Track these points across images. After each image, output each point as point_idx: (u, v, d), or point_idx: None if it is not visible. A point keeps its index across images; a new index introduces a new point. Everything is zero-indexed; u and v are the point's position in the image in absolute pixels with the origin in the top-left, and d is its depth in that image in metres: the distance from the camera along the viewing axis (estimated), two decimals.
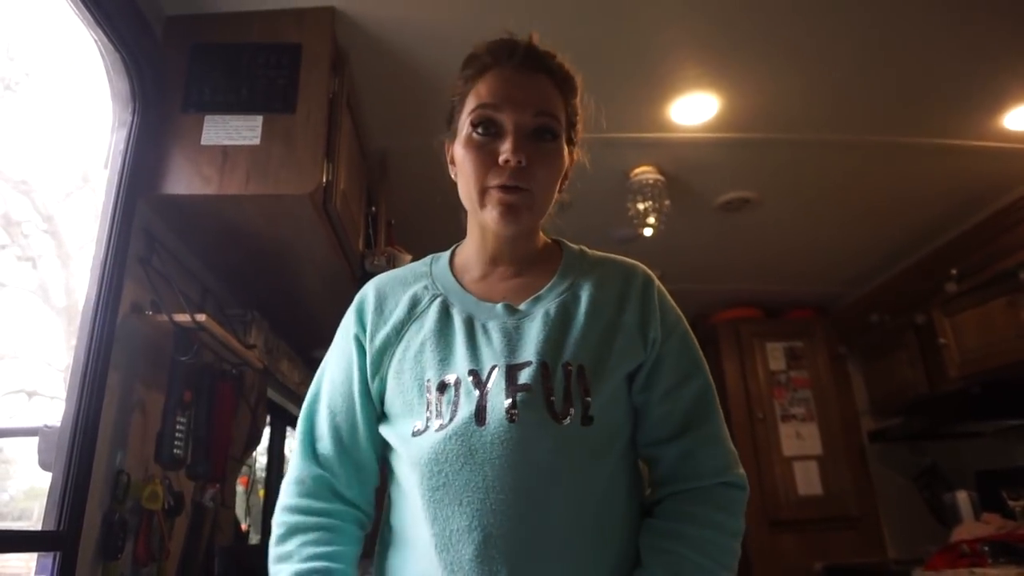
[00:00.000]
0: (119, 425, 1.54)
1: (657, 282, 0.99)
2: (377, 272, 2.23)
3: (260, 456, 2.83)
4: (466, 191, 0.93)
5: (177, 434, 1.58)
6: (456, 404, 0.85)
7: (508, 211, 0.89)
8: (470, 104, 0.94)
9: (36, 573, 1.31)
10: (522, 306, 0.93)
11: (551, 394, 0.83)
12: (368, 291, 1.00)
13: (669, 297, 0.99)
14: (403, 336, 0.93)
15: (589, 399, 0.84)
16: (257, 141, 1.67)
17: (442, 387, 0.87)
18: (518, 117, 0.90)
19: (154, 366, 1.69)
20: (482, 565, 0.79)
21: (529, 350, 0.87)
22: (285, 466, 3.10)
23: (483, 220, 0.93)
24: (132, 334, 1.59)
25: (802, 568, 3.49)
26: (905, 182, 2.78)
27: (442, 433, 0.83)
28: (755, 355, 3.87)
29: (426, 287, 0.98)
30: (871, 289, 3.68)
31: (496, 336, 0.89)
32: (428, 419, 0.86)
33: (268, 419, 2.66)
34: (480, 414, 0.83)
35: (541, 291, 0.94)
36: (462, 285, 0.97)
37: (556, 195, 0.98)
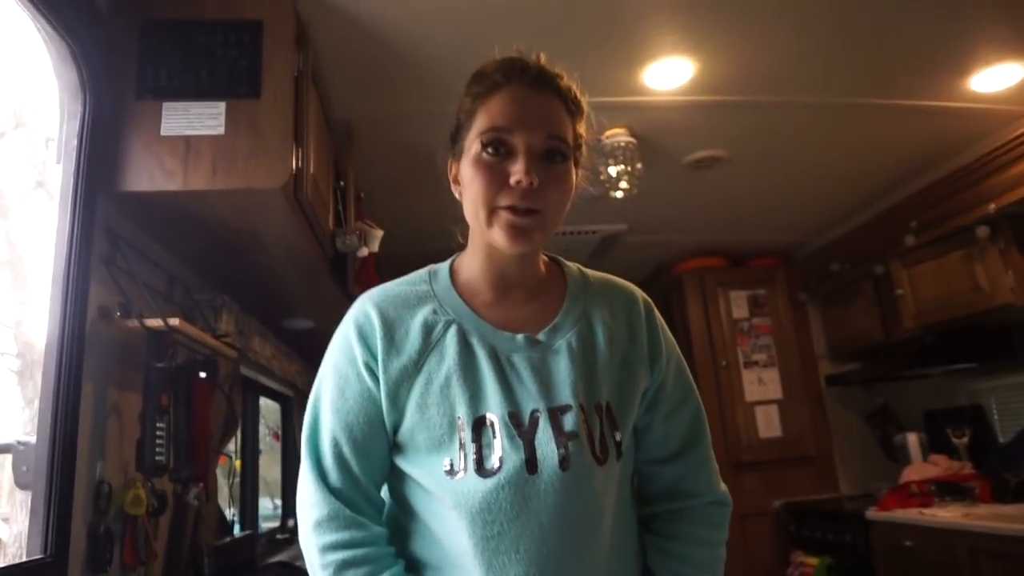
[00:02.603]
0: (96, 434, 1.50)
1: (654, 307, 1.04)
2: (348, 251, 2.19)
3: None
4: (473, 210, 0.91)
5: (158, 440, 1.54)
6: (500, 449, 0.85)
7: (518, 233, 0.88)
8: (480, 124, 0.91)
9: None
10: (541, 336, 0.94)
11: (592, 439, 0.88)
12: (369, 314, 0.94)
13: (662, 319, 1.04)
14: (422, 367, 0.91)
15: (619, 437, 0.91)
16: (222, 131, 1.58)
17: (477, 426, 0.87)
18: (530, 139, 0.88)
19: (126, 367, 1.64)
20: None
21: (564, 392, 0.89)
22: (259, 437, 3.08)
23: (490, 239, 0.91)
24: (101, 339, 1.53)
25: (763, 505, 3.69)
26: (872, 140, 2.80)
27: (493, 481, 0.84)
28: (719, 303, 3.95)
29: (435, 311, 0.95)
30: (833, 239, 3.75)
31: (526, 374, 0.90)
32: (464, 458, 0.86)
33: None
34: (531, 463, 0.85)
35: (556, 319, 0.96)
36: (473, 310, 0.95)
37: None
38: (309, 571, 0.90)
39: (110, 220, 1.59)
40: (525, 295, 0.98)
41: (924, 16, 2.06)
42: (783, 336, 3.91)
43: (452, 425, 0.87)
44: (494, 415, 0.87)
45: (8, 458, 1.40)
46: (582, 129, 0.98)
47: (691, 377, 1.04)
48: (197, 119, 1.58)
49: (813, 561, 3.28)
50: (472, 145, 0.91)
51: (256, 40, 1.65)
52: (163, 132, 1.57)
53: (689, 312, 3.95)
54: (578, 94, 0.96)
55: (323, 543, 0.88)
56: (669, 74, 2.27)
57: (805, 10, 2.02)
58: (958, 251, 2.90)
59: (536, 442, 0.85)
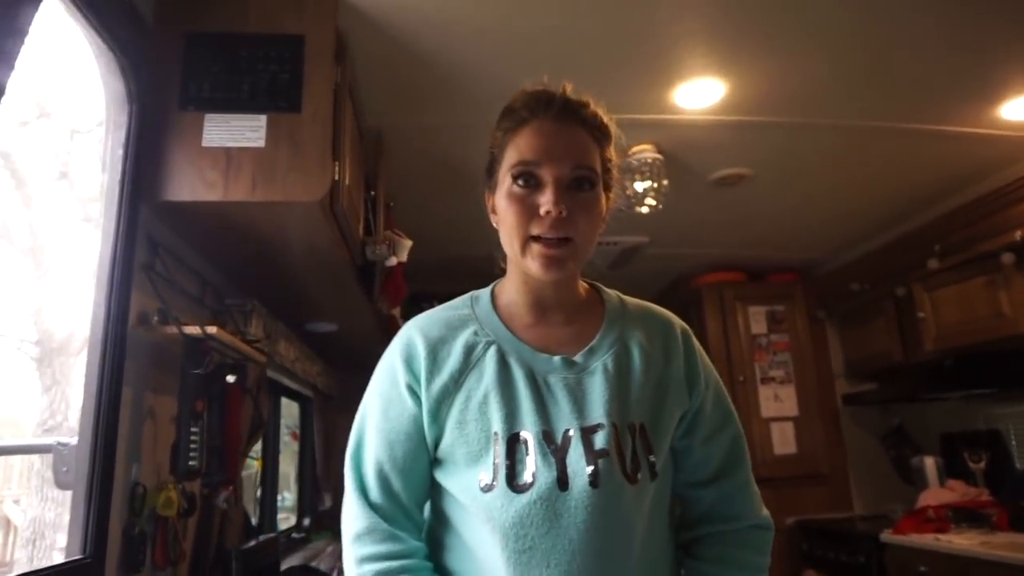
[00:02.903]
0: (133, 437, 1.54)
1: (691, 334, 1.06)
2: (378, 260, 2.22)
3: None
4: (508, 240, 0.96)
5: (192, 445, 1.58)
6: (533, 465, 0.88)
7: (551, 261, 0.92)
8: (510, 158, 0.95)
9: None
10: (578, 358, 0.96)
11: (623, 457, 0.89)
12: (414, 338, 0.99)
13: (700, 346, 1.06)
14: (462, 385, 0.95)
15: (653, 458, 0.92)
16: (262, 144, 1.60)
17: (511, 443, 0.90)
18: (557, 170, 0.92)
19: (162, 372, 1.67)
20: None
21: (598, 411, 0.92)
22: (280, 436, 3.12)
23: (526, 267, 0.95)
24: (140, 344, 1.56)
25: (775, 522, 3.66)
26: (898, 162, 2.81)
27: (525, 497, 0.87)
28: (737, 318, 3.95)
29: (476, 333, 0.99)
30: (854, 258, 3.75)
31: (561, 394, 0.93)
32: (495, 473, 0.89)
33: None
34: (562, 479, 0.87)
35: (593, 341, 0.98)
36: (512, 332, 0.99)
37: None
38: None
39: (150, 228, 1.62)
40: (563, 318, 1.01)
41: (956, 44, 2.06)
42: (801, 353, 3.91)
43: (488, 440, 0.91)
44: (528, 433, 0.90)
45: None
46: (611, 153, 1.00)
47: (731, 403, 1.06)
48: (238, 131, 1.61)
49: None
50: (504, 178, 0.96)
51: (297, 54, 1.68)
52: (204, 143, 1.60)
53: (708, 326, 3.96)
54: (605, 121, 0.99)
55: (361, 555, 0.92)
56: (700, 94, 2.28)
57: (836, 35, 2.03)
58: (982, 277, 2.89)
59: (567, 460, 0.88)
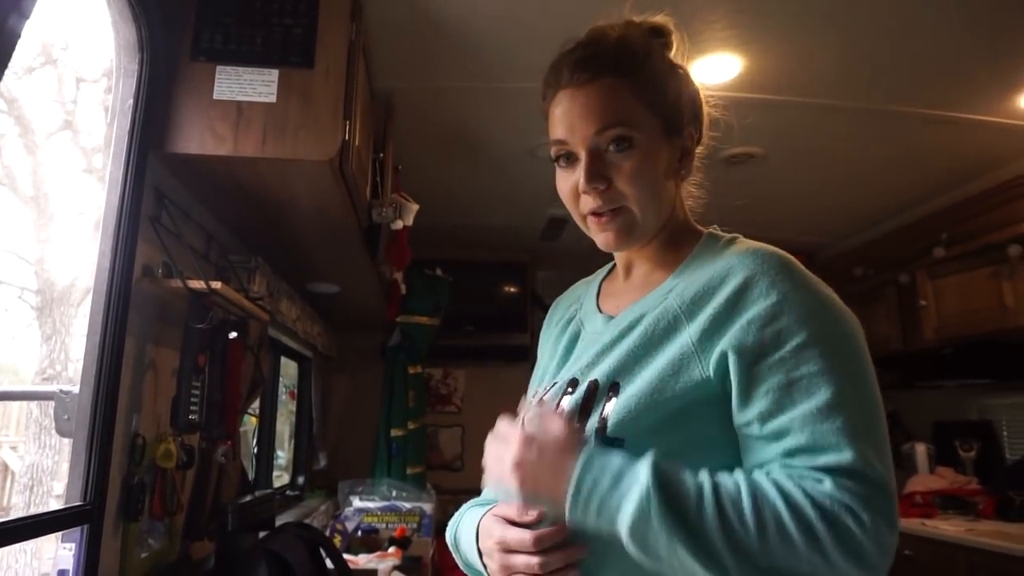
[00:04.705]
0: (134, 389, 1.54)
1: (780, 282, 0.77)
2: (384, 223, 2.20)
3: None
4: (574, 217, 0.92)
5: (193, 398, 1.58)
6: None
7: (613, 237, 0.87)
8: (550, 135, 0.90)
9: (62, 540, 1.34)
10: (621, 314, 0.89)
11: (582, 412, 0.81)
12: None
13: (801, 296, 0.77)
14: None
15: (610, 417, 0.78)
16: (273, 99, 1.58)
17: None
18: (585, 142, 0.85)
19: (165, 325, 1.67)
20: None
21: (582, 365, 0.86)
22: (278, 394, 3.13)
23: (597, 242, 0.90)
24: (144, 296, 1.56)
25: None
26: (911, 149, 2.78)
27: None
28: None
29: (571, 305, 1.03)
30: (860, 243, 3.74)
31: (581, 348, 0.93)
32: None
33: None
34: None
35: (643, 297, 0.88)
36: (598, 297, 0.99)
37: (675, 187, 0.91)
38: None
39: (158, 179, 1.61)
40: (642, 274, 0.94)
41: (976, 32, 2.03)
42: None
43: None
44: (541, 389, 0.93)
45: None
46: (661, 72, 0.89)
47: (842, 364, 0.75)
48: (250, 85, 1.59)
49: None
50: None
51: (312, 9, 1.65)
52: (215, 96, 1.58)
53: None
54: (635, 47, 0.87)
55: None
56: (716, 69, 2.25)
57: (855, 16, 1.99)
58: (987, 268, 2.88)
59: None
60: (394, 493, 3.04)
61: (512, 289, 4.13)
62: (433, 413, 4.08)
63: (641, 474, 0.69)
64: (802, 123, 2.62)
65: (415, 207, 2.26)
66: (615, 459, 0.72)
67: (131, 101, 1.49)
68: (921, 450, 3.34)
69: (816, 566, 0.65)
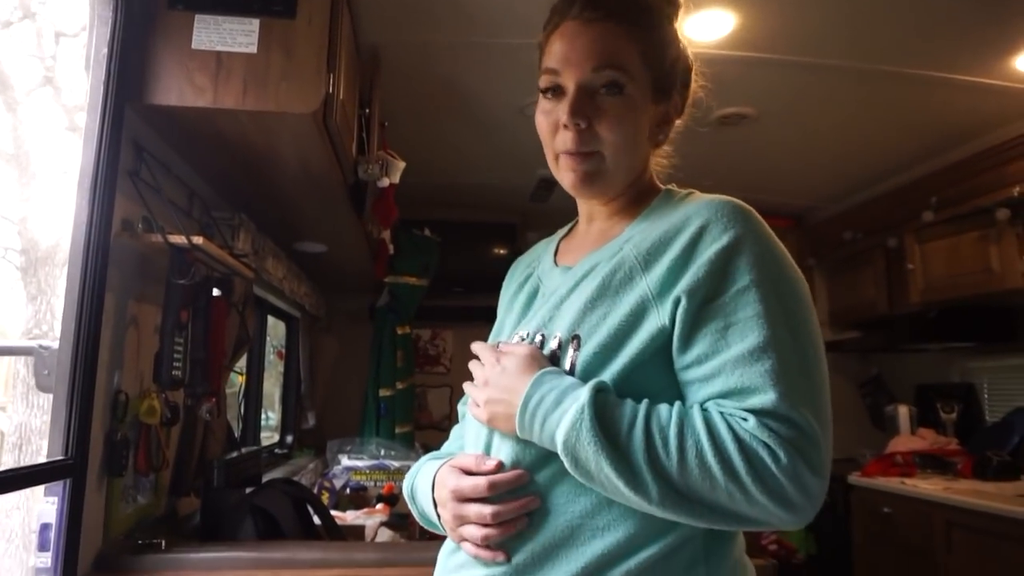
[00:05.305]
0: (115, 345, 1.52)
1: (733, 227, 0.77)
2: (370, 179, 2.17)
3: None
4: (547, 155, 0.91)
5: (176, 355, 1.57)
6: None
7: (579, 179, 0.86)
8: (541, 66, 0.89)
9: (45, 494, 1.34)
10: (576, 266, 0.89)
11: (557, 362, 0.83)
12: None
13: (752, 241, 0.77)
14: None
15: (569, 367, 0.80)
16: (254, 49, 1.54)
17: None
18: (579, 76, 0.84)
19: (145, 281, 1.65)
20: None
21: (538, 319, 0.86)
22: (265, 353, 3.13)
23: (561, 183, 0.89)
24: (124, 252, 1.53)
25: None
26: (904, 110, 2.75)
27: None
28: None
29: (530, 264, 1.03)
30: (850, 207, 3.73)
31: (538, 303, 0.93)
32: None
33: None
34: None
35: (599, 248, 0.88)
36: (556, 252, 0.99)
37: (649, 147, 0.91)
38: None
39: (136, 132, 1.57)
40: (600, 226, 0.93)
41: None
42: None
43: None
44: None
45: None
46: (664, 39, 0.89)
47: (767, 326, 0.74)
48: (229, 35, 1.54)
49: None
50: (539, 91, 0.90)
51: None
52: (194, 46, 1.53)
53: None
54: (650, 2, 0.88)
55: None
56: (709, 25, 2.21)
57: None
58: (975, 231, 2.88)
59: None
60: (382, 452, 3.06)
61: (501, 251, 4.11)
62: (422, 373, 4.09)
63: (582, 394, 0.73)
64: (795, 83, 2.58)
65: (402, 164, 2.23)
66: (566, 380, 0.76)
67: (106, 50, 1.44)
68: (904, 411, 3.39)
69: (735, 498, 0.69)
